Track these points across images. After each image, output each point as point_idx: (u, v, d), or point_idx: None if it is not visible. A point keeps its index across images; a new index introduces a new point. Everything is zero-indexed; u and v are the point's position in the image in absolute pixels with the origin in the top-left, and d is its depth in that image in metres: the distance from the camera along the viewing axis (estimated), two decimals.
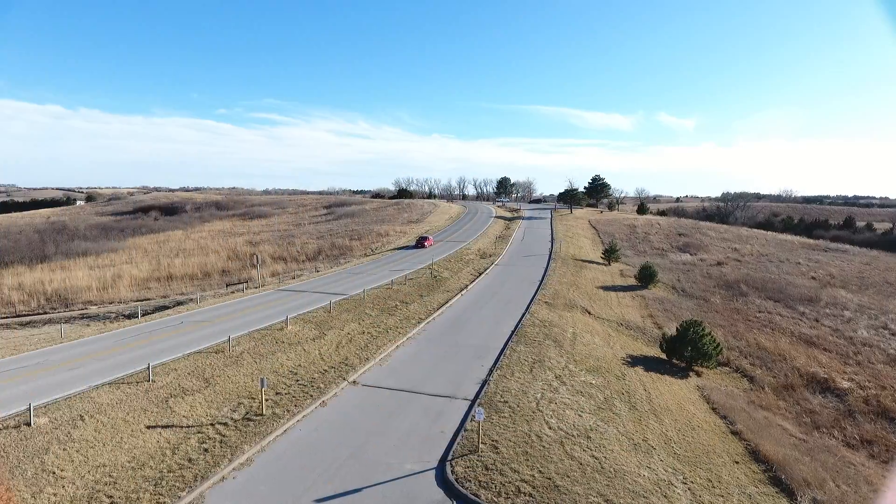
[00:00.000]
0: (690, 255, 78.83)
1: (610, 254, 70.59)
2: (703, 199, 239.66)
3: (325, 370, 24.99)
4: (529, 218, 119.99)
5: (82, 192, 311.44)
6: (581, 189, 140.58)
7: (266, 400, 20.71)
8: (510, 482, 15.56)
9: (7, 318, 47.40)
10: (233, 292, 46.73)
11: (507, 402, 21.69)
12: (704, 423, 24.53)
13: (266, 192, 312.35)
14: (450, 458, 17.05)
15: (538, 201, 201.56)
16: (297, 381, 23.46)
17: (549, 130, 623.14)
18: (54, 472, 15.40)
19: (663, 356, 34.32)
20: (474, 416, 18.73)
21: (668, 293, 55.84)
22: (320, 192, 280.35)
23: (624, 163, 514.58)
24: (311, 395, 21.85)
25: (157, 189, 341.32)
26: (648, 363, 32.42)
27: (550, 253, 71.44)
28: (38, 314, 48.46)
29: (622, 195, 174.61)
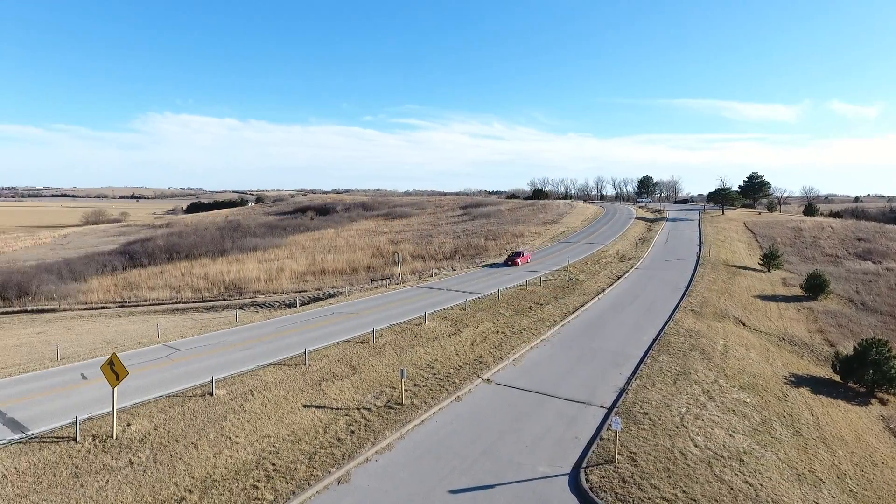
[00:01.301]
0: (873, 263, 67.93)
1: (770, 260, 63.51)
2: (889, 199, 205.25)
3: (460, 366, 25.72)
4: (674, 219, 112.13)
5: (253, 195, 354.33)
6: (735, 188, 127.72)
7: (405, 390, 21.90)
8: (650, 499, 14.75)
9: (196, 302, 55.59)
10: (376, 287, 49.92)
11: (647, 413, 20.58)
12: (891, 460, 21.11)
13: (407, 194, 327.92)
14: (584, 465, 16.63)
15: (684, 202, 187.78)
16: (434, 374, 24.45)
17: (696, 125, 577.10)
18: (230, 438, 17.76)
19: (836, 378, 30.16)
20: (611, 425, 18.06)
21: (842, 306, 48.76)
22: (457, 193, 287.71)
23: (786, 159, 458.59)
24: (447, 390, 22.63)
25: (312, 191, 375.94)
26: (817, 385, 28.67)
27: (698, 257, 66.13)
28: (219, 300, 56.08)
29: (785, 195, 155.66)
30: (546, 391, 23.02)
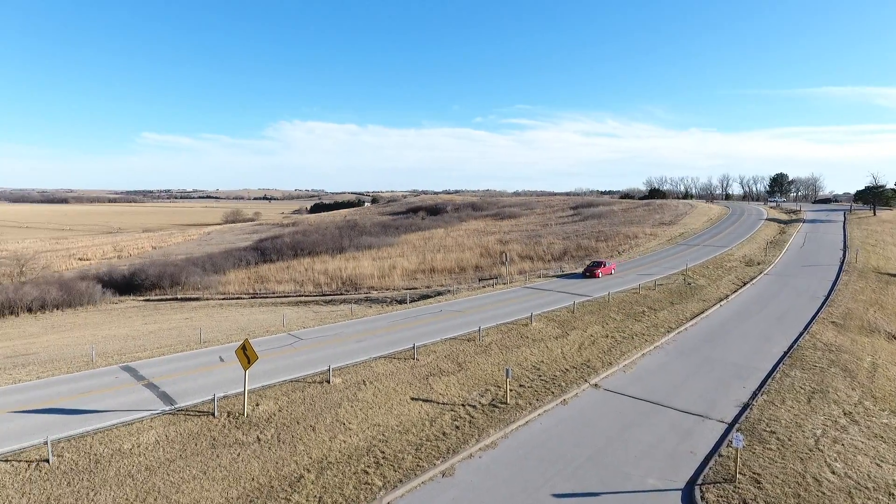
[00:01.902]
0: None
1: None
2: None
3: (567, 369, 25.21)
4: (813, 221, 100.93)
5: (369, 196, 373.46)
6: (890, 186, 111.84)
7: (510, 390, 21.92)
8: None
9: (317, 296, 59.76)
10: (484, 287, 50.34)
11: (774, 432, 18.80)
12: None
13: (516, 194, 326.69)
14: (699, 482, 15.58)
15: (826, 201, 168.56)
16: (540, 376, 24.20)
17: (841, 116, 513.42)
18: (344, 424, 18.94)
19: None
20: (731, 442, 16.78)
21: None
22: (567, 193, 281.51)
23: None
24: (553, 392, 22.31)
25: (424, 192, 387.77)
26: None
27: (842, 263, 58.90)
28: (337, 294, 59.80)
29: None
30: (659, 401, 21.86)
